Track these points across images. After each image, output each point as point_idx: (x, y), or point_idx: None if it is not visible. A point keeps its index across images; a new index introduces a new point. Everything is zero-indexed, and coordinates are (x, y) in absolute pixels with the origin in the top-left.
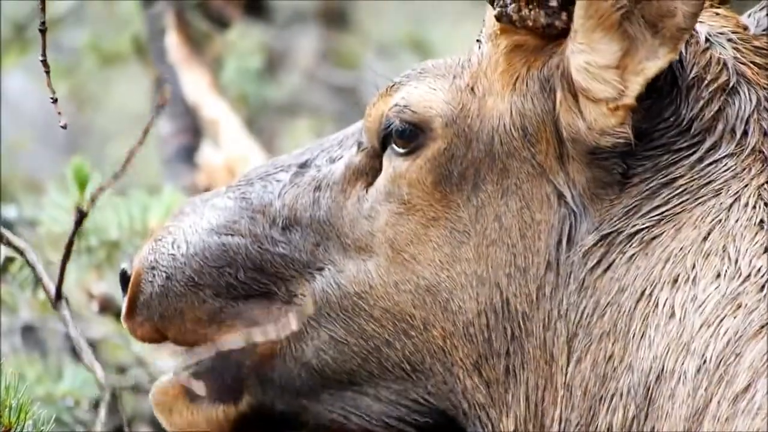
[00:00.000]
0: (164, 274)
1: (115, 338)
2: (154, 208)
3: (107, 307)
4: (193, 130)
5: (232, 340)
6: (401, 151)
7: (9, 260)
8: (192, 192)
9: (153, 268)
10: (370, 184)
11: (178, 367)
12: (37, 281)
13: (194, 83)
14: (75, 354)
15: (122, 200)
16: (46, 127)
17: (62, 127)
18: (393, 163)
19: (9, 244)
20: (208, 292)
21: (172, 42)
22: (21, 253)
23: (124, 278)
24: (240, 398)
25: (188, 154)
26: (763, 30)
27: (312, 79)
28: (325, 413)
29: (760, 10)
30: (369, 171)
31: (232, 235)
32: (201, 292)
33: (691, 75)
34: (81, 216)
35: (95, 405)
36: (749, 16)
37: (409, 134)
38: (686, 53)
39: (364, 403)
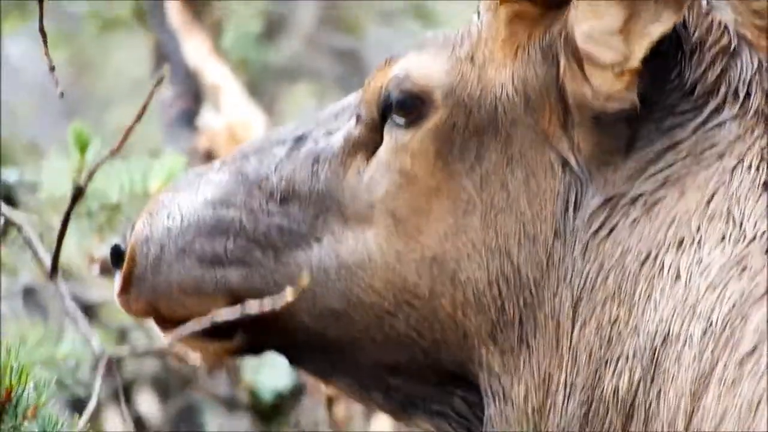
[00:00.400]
0: (158, 246)
1: (116, 301)
2: (154, 171)
3: (108, 270)
4: (194, 95)
5: (227, 312)
6: (402, 122)
7: (10, 224)
8: (193, 156)
9: (147, 240)
10: (370, 156)
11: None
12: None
13: (195, 48)
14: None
15: (123, 164)
16: (46, 92)
17: (59, 95)
18: (394, 135)
19: (7, 220)
20: (193, 260)
21: (173, 7)
22: (18, 228)
23: (117, 254)
24: (233, 336)
25: (189, 119)
26: None
27: (312, 44)
28: (323, 363)
29: None
30: (369, 143)
31: (227, 207)
32: (188, 260)
33: (694, 38)
34: (78, 191)
35: (96, 367)
36: None
37: (409, 105)
38: (689, 16)
39: (370, 361)
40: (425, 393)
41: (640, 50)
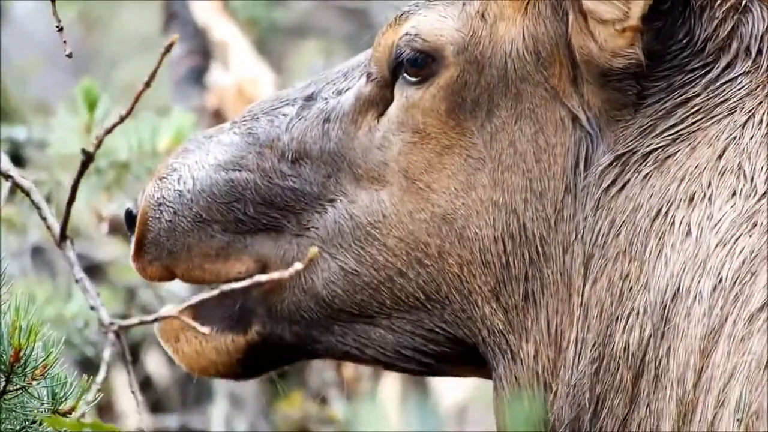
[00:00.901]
0: (171, 210)
1: (124, 260)
2: (163, 129)
3: (117, 229)
4: (203, 52)
5: (237, 283)
6: (413, 80)
7: (18, 187)
8: (201, 114)
9: (160, 204)
10: (381, 114)
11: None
12: (43, 219)
13: (203, 6)
14: (85, 275)
15: (131, 122)
16: (54, 49)
17: (67, 55)
18: (405, 93)
19: (15, 184)
20: (216, 227)
21: None
22: (27, 193)
23: (130, 218)
24: (249, 328)
25: (198, 76)
26: None
27: (321, 1)
28: (336, 345)
29: None
30: (380, 101)
31: (239, 170)
32: (209, 227)
33: None
34: (88, 157)
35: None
36: None
37: (420, 63)
38: None
39: (377, 334)
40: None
41: (637, 8)
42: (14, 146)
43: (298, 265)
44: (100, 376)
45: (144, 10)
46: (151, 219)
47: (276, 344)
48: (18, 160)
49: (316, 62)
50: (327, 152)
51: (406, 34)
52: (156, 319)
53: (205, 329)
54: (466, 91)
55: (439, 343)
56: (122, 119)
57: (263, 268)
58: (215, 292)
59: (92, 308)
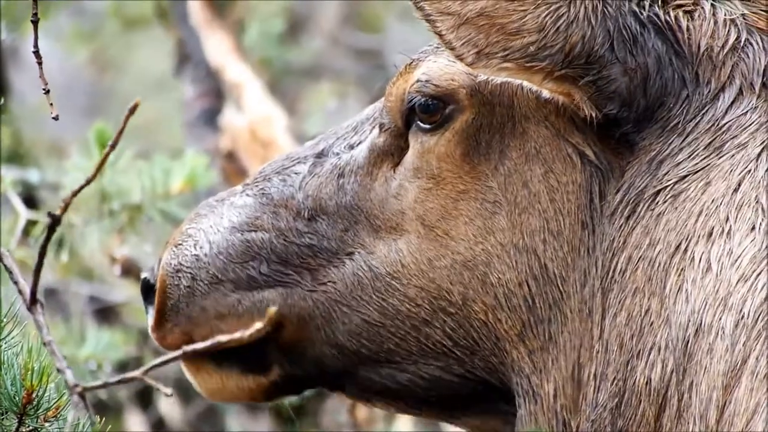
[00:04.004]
0: (189, 276)
1: (137, 302)
2: (176, 171)
3: (130, 271)
4: (216, 93)
5: (204, 343)
6: (427, 126)
7: (31, 223)
8: (214, 156)
9: (178, 271)
10: (396, 163)
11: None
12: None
13: (217, 46)
14: (98, 317)
15: (145, 163)
16: (67, 90)
17: (54, 118)
18: (420, 140)
19: None
20: (228, 286)
21: (195, 5)
22: None
23: (146, 288)
24: (269, 371)
25: (211, 117)
26: None
27: (335, 43)
28: (361, 384)
29: None
30: (394, 151)
31: (255, 231)
32: (222, 286)
33: (702, 47)
34: (54, 221)
35: (118, 368)
36: None
37: (434, 109)
38: (691, 27)
39: (405, 378)
40: (462, 402)
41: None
42: (28, 188)
43: (258, 325)
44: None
45: (157, 50)
46: (170, 287)
47: (300, 378)
48: (32, 202)
49: (330, 103)
50: (343, 206)
51: (417, 81)
52: (120, 381)
53: (222, 371)
54: (480, 133)
55: (468, 389)
56: (89, 181)
57: (278, 325)
58: (208, 343)
59: (59, 371)
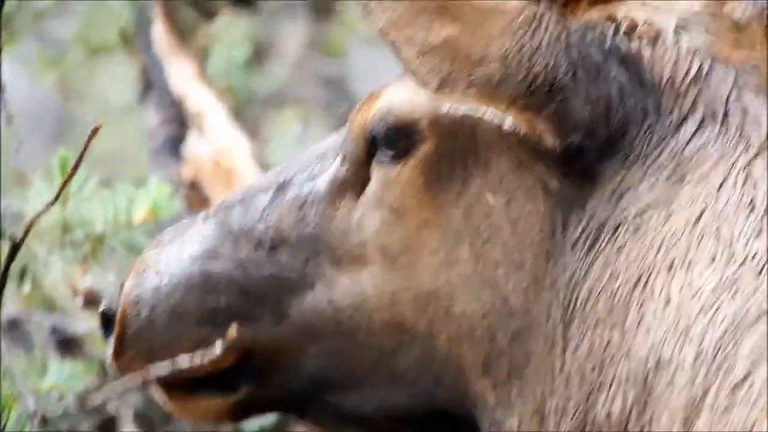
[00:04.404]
0: (149, 306)
1: (100, 333)
2: (139, 200)
3: (92, 302)
4: (180, 121)
5: (159, 368)
6: (389, 156)
7: None
8: (178, 184)
9: (137, 302)
10: (358, 194)
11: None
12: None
13: (181, 73)
14: (60, 348)
15: (108, 192)
16: (32, 117)
17: (16, 150)
18: (382, 170)
19: None
20: (191, 320)
21: (159, 32)
22: None
23: (106, 317)
24: (238, 390)
25: (175, 145)
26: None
27: (299, 69)
28: (328, 409)
29: None
30: (356, 181)
31: (215, 262)
32: (185, 320)
33: (665, 77)
34: (15, 247)
35: (81, 400)
36: None
37: (395, 139)
38: (654, 57)
39: (371, 406)
40: None
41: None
42: None
43: (217, 350)
44: None
45: (121, 78)
46: (129, 316)
47: (267, 399)
48: None
49: (294, 130)
50: (305, 238)
51: (379, 110)
52: (81, 408)
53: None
54: (442, 163)
55: (434, 420)
56: (51, 203)
57: (244, 356)
58: (167, 369)
59: (19, 398)
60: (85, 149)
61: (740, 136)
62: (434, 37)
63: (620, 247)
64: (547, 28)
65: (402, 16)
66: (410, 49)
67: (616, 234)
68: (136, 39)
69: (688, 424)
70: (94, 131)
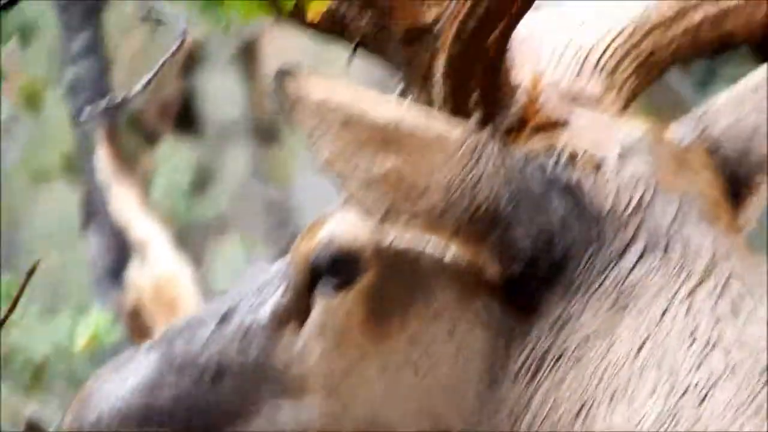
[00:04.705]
0: None
1: None
2: (81, 329)
3: (34, 429)
4: (122, 249)
5: None
6: (332, 285)
7: None
8: (120, 312)
9: None
10: (301, 323)
11: None
12: None
13: (124, 201)
14: None
15: (49, 320)
16: None
17: None
18: (325, 299)
19: None
20: None
21: (102, 158)
22: None
23: None
24: None
25: (117, 274)
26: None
27: (242, 195)
28: None
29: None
30: (299, 310)
31: (156, 394)
32: None
33: (606, 207)
34: None
35: None
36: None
37: (338, 269)
38: (595, 187)
39: None
40: None
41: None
42: None
43: None
44: None
45: (63, 205)
46: None
47: None
48: None
49: (237, 256)
50: (248, 367)
51: (322, 239)
52: None
53: None
54: (385, 293)
55: None
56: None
57: None
58: None
59: None
60: (26, 284)
61: (681, 266)
62: (378, 168)
63: (562, 377)
64: (488, 158)
65: (346, 147)
66: (355, 179)
67: (558, 364)
68: (79, 165)
69: None
70: (32, 269)
